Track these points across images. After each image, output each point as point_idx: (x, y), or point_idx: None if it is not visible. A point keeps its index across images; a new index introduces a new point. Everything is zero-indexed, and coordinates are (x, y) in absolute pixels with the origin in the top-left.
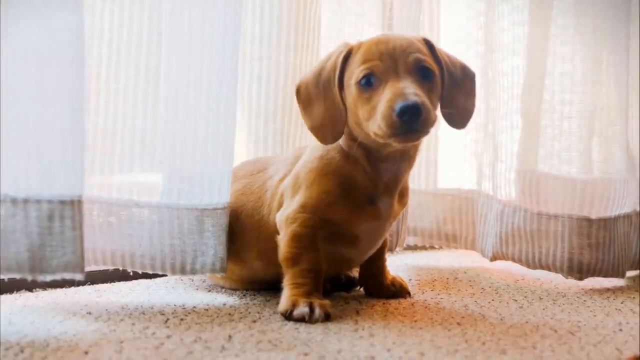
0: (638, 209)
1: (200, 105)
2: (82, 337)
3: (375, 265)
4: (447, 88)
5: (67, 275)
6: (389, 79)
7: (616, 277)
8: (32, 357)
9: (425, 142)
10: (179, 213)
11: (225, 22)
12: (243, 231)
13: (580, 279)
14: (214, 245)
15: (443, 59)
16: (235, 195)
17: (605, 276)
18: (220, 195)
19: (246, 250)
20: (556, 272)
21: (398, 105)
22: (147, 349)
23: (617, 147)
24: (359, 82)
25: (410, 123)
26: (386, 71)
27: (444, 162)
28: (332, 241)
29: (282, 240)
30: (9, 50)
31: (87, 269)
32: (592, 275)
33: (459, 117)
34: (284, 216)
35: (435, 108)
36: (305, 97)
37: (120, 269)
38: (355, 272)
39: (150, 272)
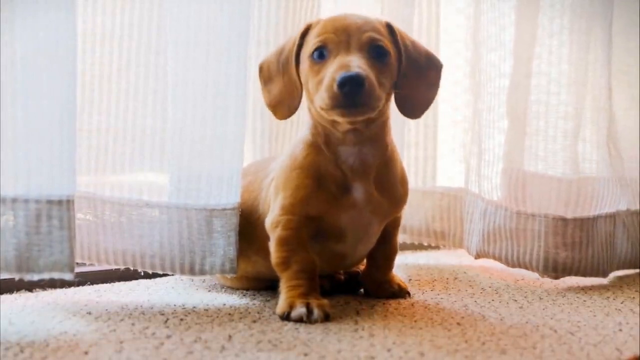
0: (635, 208)
1: (209, 104)
2: (82, 337)
3: (378, 266)
4: (405, 74)
5: (56, 275)
6: (339, 53)
7: (596, 276)
8: (32, 357)
9: (420, 140)
10: (187, 213)
11: (232, 20)
12: (246, 227)
13: (556, 277)
14: (223, 246)
15: (405, 44)
16: (242, 191)
17: (583, 275)
18: (229, 195)
19: (248, 246)
20: (533, 270)
21: (339, 75)
22: (147, 349)
23: (598, 147)
24: (311, 55)
25: (351, 95)
26: (338, 45)
27: (438, 160)
28: (319, 238)
29: (271, 246)
30: None
31: (89, 268)
32: (569, 274)
33: (415, 106)
34: (269, 222)
35: (385, 89)
36: (267, 74)
37: (122, 268)
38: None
39: (160, 272)
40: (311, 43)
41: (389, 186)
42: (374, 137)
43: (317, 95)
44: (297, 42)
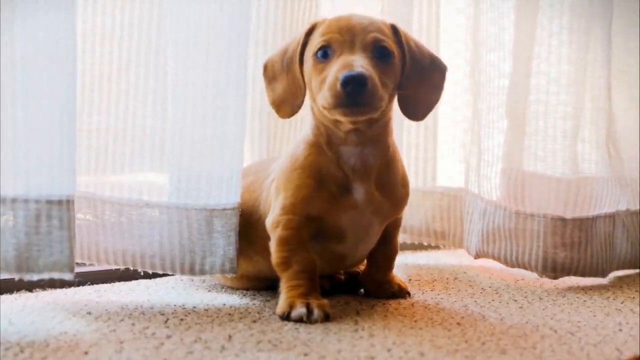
0: (635, 209)
1: (209, 104)
2: (82, 337)
3: (378, 266)
4: (409, 75)
5: (56, 275)
6: (343, 53)
7: (595, 276)
8: (32, 357)
9: (421, 140)
10: (187, 213)
11: (232, 20)
12: (247, 227)
13: (555, 278)
14: (223, 246)
15: (409, 45)
16: (243, 191)
17: (582, 275)
18: (229, 195)
19: (249, 246)
20: (532, 270)
21: (342, 75)
22: (147, 349)
23: (597, 147)
24: (315, 54)
25: (354, 94)
26: (342, 45)
27: (438, 161)
28: (320, 238)
29: (272, 246)
30: None
31: (89, 268)
32: (568, 274)
33: (418, 108)
34: (270, 222)
35: (388, 89)
36: (271, 73)
37: (122, 268)
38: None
39: (160, 272)
40: (315, 42)
41: (390, 187)
42: (376, 137)
43: (320, 94)
44: (301, 41)
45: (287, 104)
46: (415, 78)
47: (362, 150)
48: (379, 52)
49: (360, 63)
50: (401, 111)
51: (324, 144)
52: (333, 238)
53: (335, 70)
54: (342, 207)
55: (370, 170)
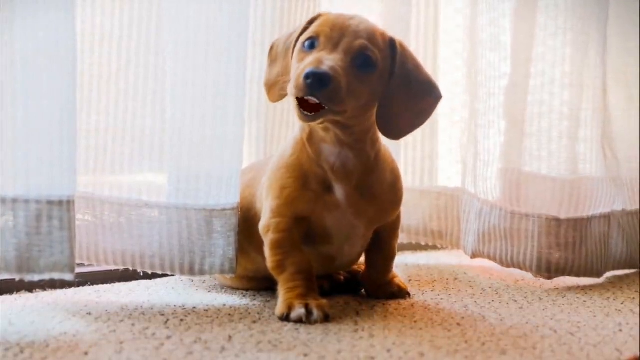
0: (631, 209)
1: (209, 104)
2: (82, 337)
3: (377, 268)
4: (394, 92)
5: (56, 275)
6: (325, 48)
7: (590, 277)
8: (32, 358)
9: (419, 140)
10: (187, 213)
11: (231, 20)
12: (245, 224)
13: (549, 278)
14: (222, 246)
15: (403, 63)
16: (243, 187)
17: (577, 275)
18: (229, 196)
19: (247, 242)
20: (526, 270)
21: (308, 69)
22: (147, 349)
23: (593, 148)
24: (303, 43)
25: (312, 89)
26: (329, 41)
27: (437, 161)
28: (307, 240)
29: (266, 251)
30: None
31: (89, 269)
32: (562, 274)
33: (395, 126)
34: (261, 226)
35: (359, 99)
36: (274, 54)
37: (122, 268)
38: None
39: (160, 272)
40: (308, 32)
41: (376, 194)
42: (353, 144)
43: (291, 82)
44: (302, 29)
45: (277, 88)
46: (402, 97)
47: (340, 151)
48: (361, 60)
49: (330, 63)
50: (377, 125)
51: (306, 140)
52: (319, 239)
53: (306, 62)
54: (325, 206)
55: (350, 172)
